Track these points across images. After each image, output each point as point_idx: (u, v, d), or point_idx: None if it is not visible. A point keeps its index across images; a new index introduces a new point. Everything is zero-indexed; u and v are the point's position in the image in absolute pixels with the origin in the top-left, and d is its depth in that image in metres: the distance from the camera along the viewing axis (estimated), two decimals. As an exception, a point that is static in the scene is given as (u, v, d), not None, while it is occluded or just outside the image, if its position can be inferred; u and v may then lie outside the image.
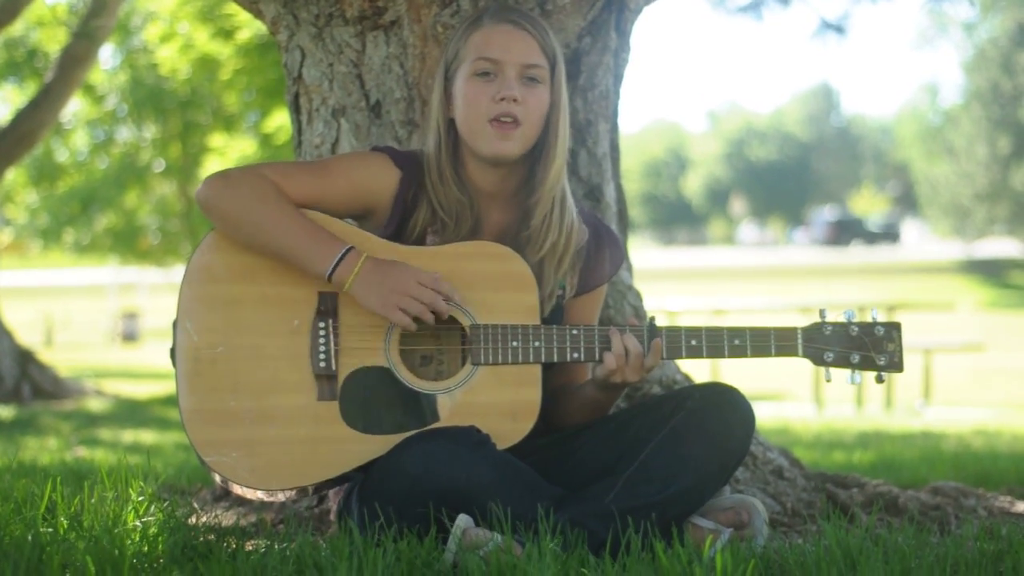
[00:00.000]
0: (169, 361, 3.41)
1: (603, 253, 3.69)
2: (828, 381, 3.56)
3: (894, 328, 3.52)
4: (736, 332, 3.49)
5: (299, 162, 3.52)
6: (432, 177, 3.54)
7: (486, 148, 3.49)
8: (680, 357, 3.50)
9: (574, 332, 3.45)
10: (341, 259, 3.31)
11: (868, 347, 3.50)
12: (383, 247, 3.45)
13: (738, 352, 3.49)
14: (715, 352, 3.49)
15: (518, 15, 3.52)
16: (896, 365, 3.50)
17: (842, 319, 3.51)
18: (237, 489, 3.38)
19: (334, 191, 3.48)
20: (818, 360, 3.50)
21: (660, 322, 3.51)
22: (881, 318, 3.54)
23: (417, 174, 3.55)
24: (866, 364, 3.50)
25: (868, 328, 3.51)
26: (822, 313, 3.52)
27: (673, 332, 3.48)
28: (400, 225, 3.53)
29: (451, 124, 3.56)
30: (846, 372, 3.52)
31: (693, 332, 3.49)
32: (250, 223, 3.35)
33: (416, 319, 3.33)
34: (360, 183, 3.51)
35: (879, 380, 3.53)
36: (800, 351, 3.50)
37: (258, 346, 3.38)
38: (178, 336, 3.39)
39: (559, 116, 3.54)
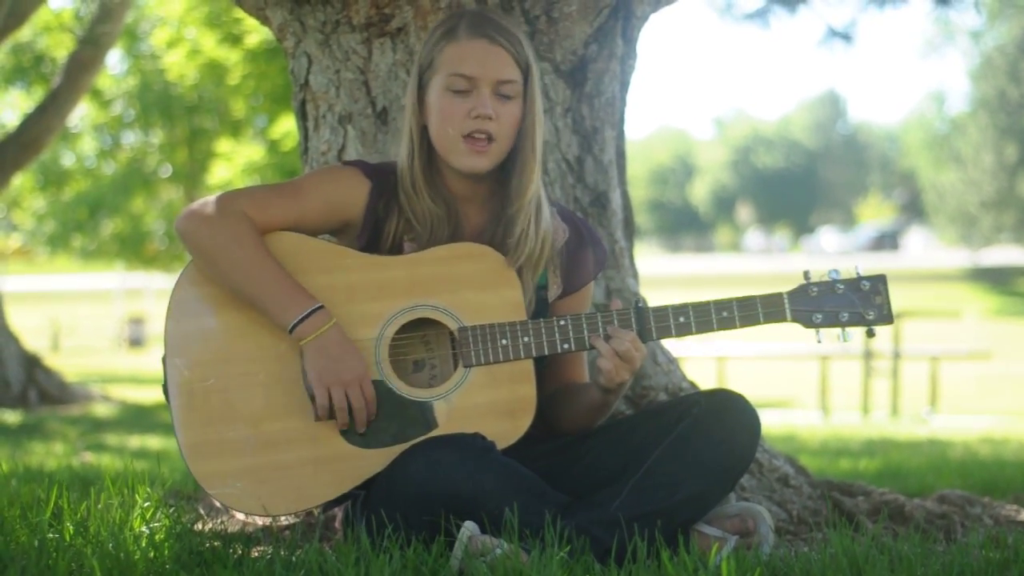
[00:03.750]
0: (163, 398, 3.42)
1: (586, 252, 3.69)
2: (819, 343, 3.53)
3: (880, 280, 3.49)
4: (723, 304, 3.47)
5: (273, 186, 3.52)
6: (405, 188, 3.54)
7: (458, 163, 3.49)
8: (670, 336, 3.48)
9: (562, 323, 3.45)
10: (307, 316, 3.32)
11: (856, 303, 3.47)
12: (362, 260, 3.46)
13: (727, 323, 3.47)
14: (704, 326, 3.47)
15: (493, 28, 3.51)
16: (886, 317, 3.48)
17: (827, 278, 3.50)
18: (245, 517, 3.38)
19: (310, 211, 3.49)
20: (807, 322, 3.47)
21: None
22: (865, 273, 3.52)
23: (388, 184, 3.55)
24: (855, 320, 3.47)
25: (854, 284, 3.48)
26: (806, 274, 3.49)
27: (660, 312, 3.48)
28: (373, 235, 3.54)
29: (424, 131, 3.56)
30: (836, 331, 3.50)
31: (680, 309, 3.48)
32: (225, 264, 3.36)
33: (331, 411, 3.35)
34: (332, 198, 3.52)
35: (870, 335, 3.51)
36: (788, 315, 3.48)
37: (249, 374, 3.38)
38: (169, 372, 3.39)
39: (534, 126, 3.54)
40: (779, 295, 3.49)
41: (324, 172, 3.63)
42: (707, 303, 3.48)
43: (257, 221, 3.41)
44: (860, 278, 3.49)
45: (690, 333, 3.48)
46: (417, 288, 3.44)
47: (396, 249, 3.53)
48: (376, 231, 3.54)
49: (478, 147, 3.46)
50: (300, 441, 3.35)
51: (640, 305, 3.48)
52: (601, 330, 3.45)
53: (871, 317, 3.47)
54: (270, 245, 3.41)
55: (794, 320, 3.48)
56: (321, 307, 3.34)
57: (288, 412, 3.37)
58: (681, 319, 3.48)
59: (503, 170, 3.56)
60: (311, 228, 3.50)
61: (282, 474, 3.34)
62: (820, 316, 3.47)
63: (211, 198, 3.45)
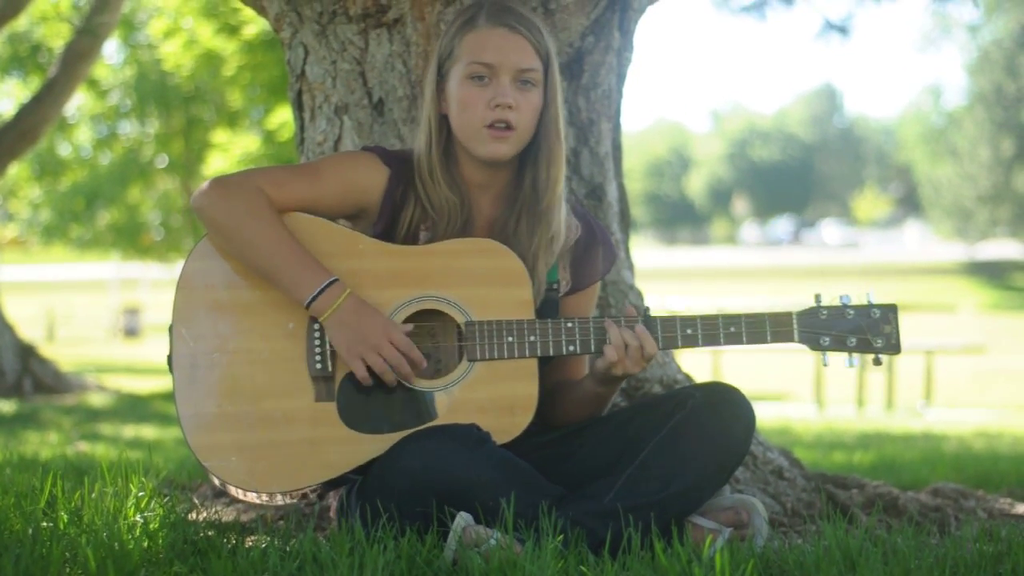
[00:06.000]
0: (168, 369, 3.42)
1: (596, 250, 3.70)
2: (825, 366, 3.54)
3: (890, 310, 3.49)
4: (731, 319, 3.47)
5: (291, 167, 3.53)
6: (422, 176, 3.54)
7: (481, 150, 3.49)
8: (676, 347, 3.48)
9: (569, 325, 3.45)
10: (322, 291, 3.33)
11: (864, 330, 3.47)
12: (375, 247, 3.47)
13: (734, 339, 3.47)
14: (711, 340, 3.47)
15: (513, 17, 3.51)
16: (894, 347, 3.48)
17: (837, 303, 3.50)
18: (238, 494, 3.38)
19: (326, 194, 3.49)
20: (814, 345, 3.48)
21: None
22: (877, 300, 3.51)
23: (406, 172, 3.56)
24: (863, 347, 3.47)
25: (864, 311, 3.49)
26: (817, 297, 3.50)
27: (668, 321, 3.48)
28: (390, 223, 3.54)
29: (443, 120, 3.56)
30: (843, 356, 3.51)
31: (688, 321, 3.48)
32: (241, 239, 3.37)
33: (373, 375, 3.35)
34: (350, 183, 3.52)
35: (877, 363, 3.52)
36: (796, 336, 3.48)
37: (254, 350, 3.39)
38: (175, 343, 3.40)
39: (557, 115, 3.54)
40: (788, 315, 3.49)
41: (343, 156, 3.65)
42: (716, 317, 3.47)
43: (273, 199, 3.42)
44: (871, 306, 3.49)
45: (696, 345, 3.48)
46: (428, 279, 3.45)
47: (411, 237, 3.54)
48: (393, 218, 3.54)
49: (500, 134, 3.46)
50: (299, 421, 3.36)
51: (648, 314, 3.48)
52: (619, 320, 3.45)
53: (879, 345, 3.47)
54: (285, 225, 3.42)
55: (801, 342, 3.48)
56: (335, 280, 3.34)
57: (290, 391, 3.37)
58: (688, 331, 3.47)
59: (520, 160, 3.56)
60: (326, 211, 3.50)
61: (278, 452, 3.34)
62: (828, 339, 3.47)
63: (228, 175, 3.46)
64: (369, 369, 3.34)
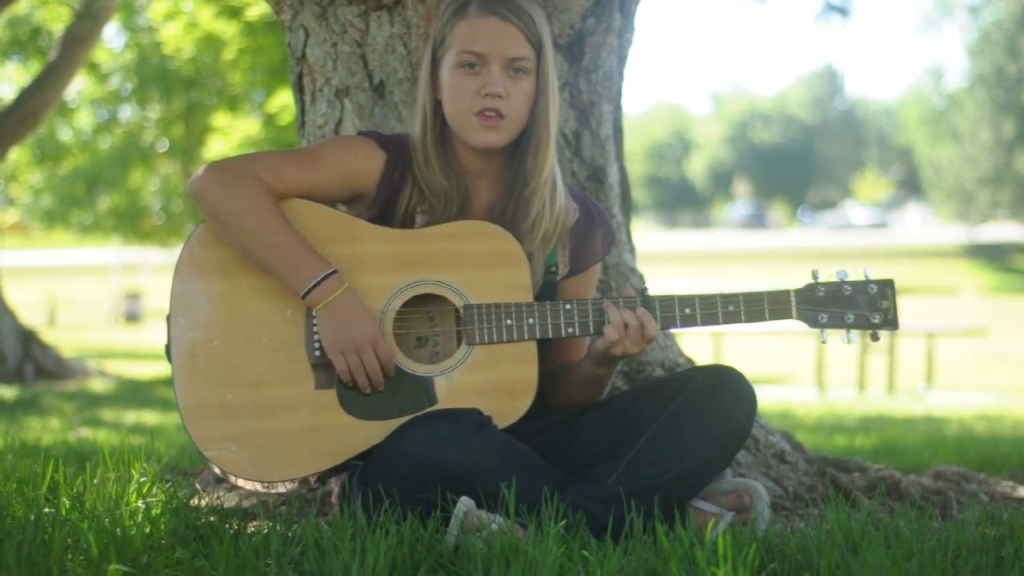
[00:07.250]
0: (166, 358, 3.41)
1: (595, 233, 3.69)
2: (824, 342, 3.55)
3: (887, 285, 3.50)
4: (730, 298, 3.47)
5: (288, 152, 3.51)
6: (418, 161, 3.54)
7: (472, 139, 3.49)
8: (675, 326, 3.48)
9: (568, 307, 3.45)
10: (320, 281, 3.32)
11: (862, 306, 3.47)
12: (373, 232, 3.45)
13: (732, 318, 3.47)
14: (710, 319, 3.47)
15: (504, 5, 3.49)
16: (891, 322, 3.48)
17: (835, 279, 3.50)
18: (239, 481, 3.38)
19: (324, 180, 3.48)
20: (812, 322, 3.48)
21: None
22: (874, 276, 3.51)
23: (403, 155, 3.55)
24: (861, 323, 3.48)
25: (861, 287, 3.49)
26: (814, 274, 3.50)
27: (666, 301, 3.47)
28: (386, 206, 3.53)
29: (438, 106, 3.56)
30: (841, 332, 3.51)
31: (686, 300, 3.47)
32: (240, 228, 3.35)
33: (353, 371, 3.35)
34: (348, 168, 3.51)
35: (874, 338, 3.52)
36: (794, 313, 3.48)
37: (253, 338, 3.38)
38: (172, 332, 3.39)
39: (547, 104, 3.53)
40: (786, 293, 3.49)
41: (340, 141, 3.63)
42: (714, 296, 3.47)
43: (272, 187, 3.40)
44: (868, 281, 3.49)
45: (695, 325, 3.48)
46: (426, 263, 3.43)
47: (408, 220, 3.53)
48: (389, 202, 3.53)
49: (490, 123, 3.46)
50: (300, 409, 3.35)
51: (646, 295, 3.48)
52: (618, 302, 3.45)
53: (876, 321, 3.47)
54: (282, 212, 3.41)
55: (799, 319, 3.48)
56: (334, 272, 3.33)
57: (290, 379, 3.36)
58: (687, 310, 3.47)
59: (516, 146, 3.56)
60: (324, 196, 3.49)
61: (279, 441, 3.33)
62: (826, 316, 3.47)
63: (227, 161, 3.44)
64: None
